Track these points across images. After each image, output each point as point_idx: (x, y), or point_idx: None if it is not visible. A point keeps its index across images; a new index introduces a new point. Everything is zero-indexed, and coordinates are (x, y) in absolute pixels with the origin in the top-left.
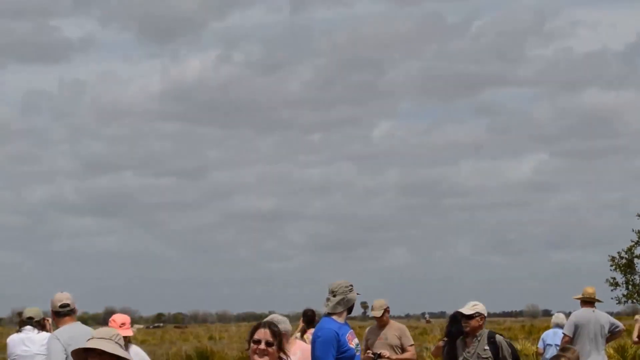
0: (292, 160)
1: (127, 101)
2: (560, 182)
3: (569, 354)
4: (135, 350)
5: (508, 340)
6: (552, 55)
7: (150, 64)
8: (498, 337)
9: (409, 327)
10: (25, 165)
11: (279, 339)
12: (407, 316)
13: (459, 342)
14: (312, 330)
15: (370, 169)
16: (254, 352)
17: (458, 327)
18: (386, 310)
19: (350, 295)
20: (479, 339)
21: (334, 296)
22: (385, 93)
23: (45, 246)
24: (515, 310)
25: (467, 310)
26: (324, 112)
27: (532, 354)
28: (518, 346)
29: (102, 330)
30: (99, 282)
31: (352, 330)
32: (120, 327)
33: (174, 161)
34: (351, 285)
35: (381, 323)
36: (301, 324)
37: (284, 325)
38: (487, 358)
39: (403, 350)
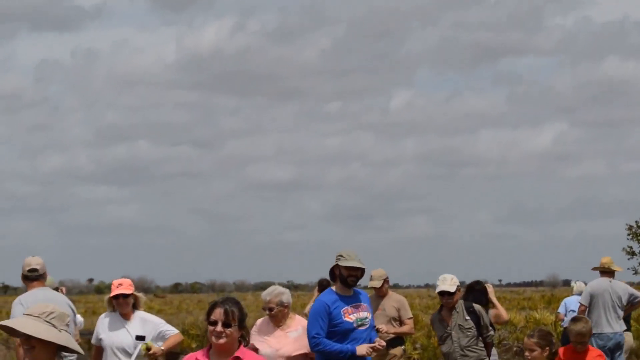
0: (309, 129)
1: (141, 70)
2: (579, 152)
3: (581, 324)
4: (141, 315)
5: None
6: (571, 24)
7: (164, 32)
8: (477, 307)
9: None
10: (39, 134)
11: (239, 318)
12: (427, 286)
13: (434, 318)
14: None
15: (388, 138)
16: (211, 333)
17: (475, 296)
18: (385, 281)
19: (333, 266)
20: (457, 310)
21: None
22: (404, 62)
23: (60, 215)
24: (536, 280)
25: (450, 287)
26: (341, 82)
27: (551, 324)
28: (537, 315)
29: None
30: (115, 251)
31: (359, 303)
32: (117, 287)
33: (189, 130)
34: (339, 256)
35: (380, 294)
36: (316, 294)
37: (285, 296)
38: (469, 328)
39: (401, 323)
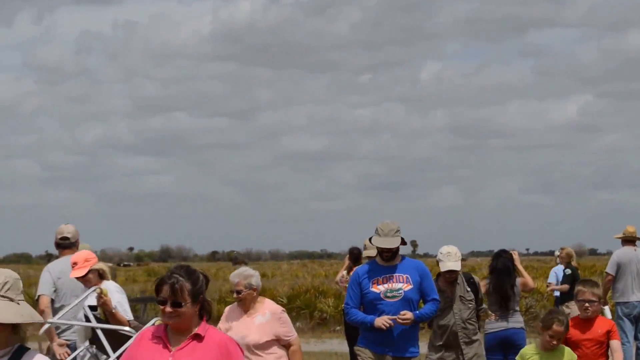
0: (342, 101)
1: (179, 42)
2: (604, 123)
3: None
4: (108, 285)
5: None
6: None
7: (201, 5)
8: (476, 278)
9: None
10: (79, 105)
11: (192, 292)
12: None
13: None
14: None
15: (418, 110)
16: (162, 313)
17: (503, 262)
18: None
19: (373, 237)
20: (457, 282)
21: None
22: (433, 35)
23: (100, 185)
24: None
25: (456, 264)
26: (372, 54)
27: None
28: None
29: None
30: (154, 221)
31: (392, 275)
32: (72, 266)
33: (225, 102)
34: (376, 229)
35: None
36: (347, 262)
37: (255, 279)
38: (471, 300)
39: None
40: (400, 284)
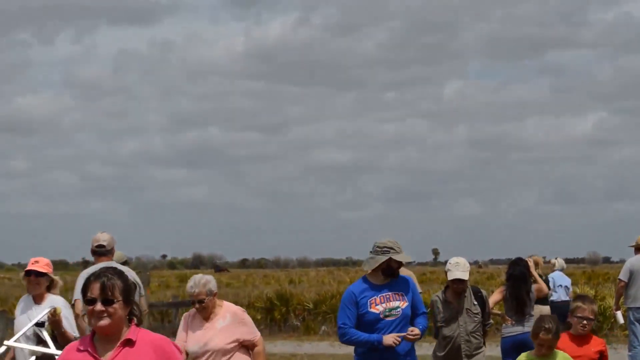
0: (368, 116)
1: (212, 61)
2: (618, 138)
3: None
4: (54, 299)
5: None
6: (612, 19)
7: (234, 26)
8: (484, 292)
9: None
10: (117, 120)
11: (124, 291)
12: (475, 263)
13: (437, 299)
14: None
15: (441, 125)
16: (90, 315)
17: (519, 270)
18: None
19: (377, 257)
20: (465, 294)
21: (370, 253)
22: (456, 54)
23: (135, 196)
24: (577, 257)
25: (464, 274)
26: (397, 72)
27: None
28: (578, 290)
29: None
30: (187, 230)
31: (389, 294)
32: (32, 263)
33: (256, 117)
34: (387, 248)
35: None
36: None
37: (213, 284)
38: (477, 313)
39: None
40: (398, 302)
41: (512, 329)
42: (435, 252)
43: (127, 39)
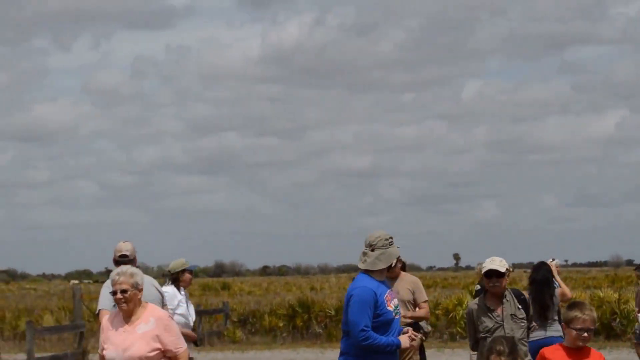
0: (386, 119)
1: (229, 65)
2: None
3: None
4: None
5: None
6: (634, 14)
7: (250, 28)
8: (525, 294)
9: None
10: (135, 127)
11: None
12: None
13: (474, 307)
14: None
15: (460, 126)
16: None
17: (543, 274)
18: (398, 260)
19: (391, 250)
20: (507, 299)
21: (373, 250)
22: (474, 53)
23: (156, 204)
24: (600, 261)
25: (499, 266)
26: (415, 73)
27: (614, 301)
28: (600, 294)
29: None
30: (207, 237)
31: (390, 289)
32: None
33: (274, 122)
34: (391, 238)
35: (392, 275)
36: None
37: (139, 277)
38: (522, 319)
39: (416, 306)
40: (397, 300)
41: (535, 334)
42: (457, 257)
43: (144, 45)
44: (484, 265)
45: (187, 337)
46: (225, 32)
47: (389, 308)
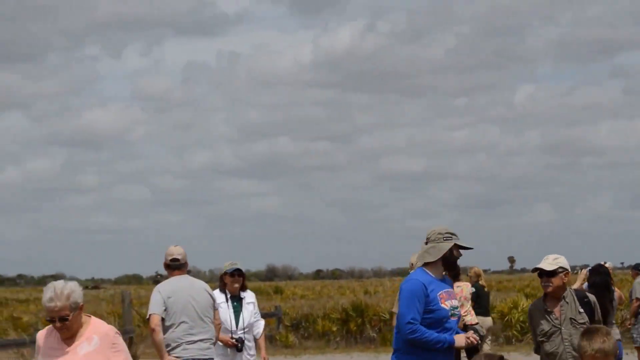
0: (438, 123)
1: (281, 71)
2: None
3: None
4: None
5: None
6: None
7: (301, 35)
8: (591, 297)
9: None
10: (186, 132)
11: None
12: None
13: (535, 307)
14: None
15: (512, 130)
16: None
17: (602, 277)
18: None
19: (442, 244)
20: (566, 300)
21: (426, 244)
22: (525, 58)
23: (207, 208)
24: None
25: (548, 265)
26: (467, 77)
27: None
28: None
29: None
30: (259, 241)
31: (450, 289)
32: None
33: (326, 126)
34: (449, 234)
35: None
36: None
37: (77, 293)
38: (583, 323)
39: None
40: (456, 301)
41: None
42: (511, 260)
43: (195, 51)
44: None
45: (224, 343)
46: (276, 39)
47: (442, 305)
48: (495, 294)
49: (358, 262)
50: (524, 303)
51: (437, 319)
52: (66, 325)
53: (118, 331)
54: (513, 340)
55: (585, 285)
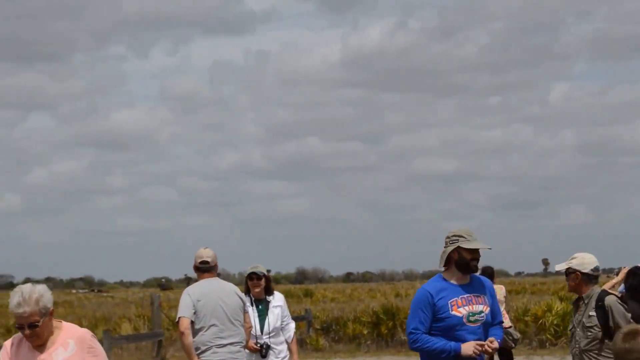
0: (470, 123)
1: (310, 70)
2: None
3: None
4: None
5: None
6: None
7: (330, 33)
8: (608, 300)
9: None
10: (214, 132)
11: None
12: None
13: (572, 304)
14: None
15: (546, 129)
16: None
17: (637, 280)
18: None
19: (447, 249)
20: (585, 302)
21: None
22: (560, 55)
23: (236, 209)
24: None
25: (560, 265)
26: (500, 76)
27: None
28: None
29: None
30: (289, 243)
31: (473, 294)
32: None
33: (356, 126)
34: (456, 236)
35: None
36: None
37: (47, 297)
38: (591, 328)
39: None
40: (481, 306)
41: None
42: (545, 263)
43: (222, 50)
44: None
45: (248, 349)
46: (305, 37)
47: (454, 312)
48: (529, 297)
49: (389, 264)
50: (558, 306)
51: (447, 327)
52: (36, 333)
53: (94, 334)
54: (547, 344)
55: (622, 287)
